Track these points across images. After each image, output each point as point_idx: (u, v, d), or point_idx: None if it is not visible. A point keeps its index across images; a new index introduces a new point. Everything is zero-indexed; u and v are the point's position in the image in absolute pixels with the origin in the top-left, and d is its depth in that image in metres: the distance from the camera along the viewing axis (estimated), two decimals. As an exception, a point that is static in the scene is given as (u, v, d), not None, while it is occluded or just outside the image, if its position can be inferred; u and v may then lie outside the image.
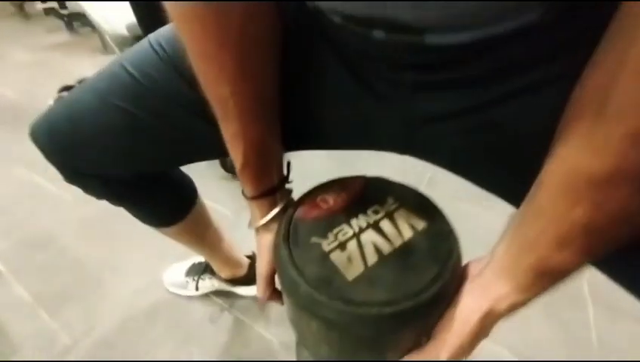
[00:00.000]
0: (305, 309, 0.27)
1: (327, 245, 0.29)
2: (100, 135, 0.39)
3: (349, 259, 0.28)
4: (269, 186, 0.35)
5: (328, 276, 0.27)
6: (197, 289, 0.80)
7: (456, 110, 0.30)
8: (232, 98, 0.29)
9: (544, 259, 0.24)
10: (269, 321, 0.78)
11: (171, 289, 0.82)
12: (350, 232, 0.30)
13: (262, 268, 0.37)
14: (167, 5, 0.27)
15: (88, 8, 1.63)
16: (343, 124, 0.37)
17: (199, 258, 0.80)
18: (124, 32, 1.47)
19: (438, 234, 0.30)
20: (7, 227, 0.98)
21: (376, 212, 0.31)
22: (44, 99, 1.47)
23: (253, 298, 0.81)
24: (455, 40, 0.24)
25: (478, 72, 0.27)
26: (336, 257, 0.28)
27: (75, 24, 2.76)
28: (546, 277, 0.25)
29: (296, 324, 0.34)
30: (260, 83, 0.31)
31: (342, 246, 0.29)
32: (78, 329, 0.75)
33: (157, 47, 0.36)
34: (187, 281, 0.80)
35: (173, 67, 0.35)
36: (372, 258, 0.28)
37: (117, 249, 0.92)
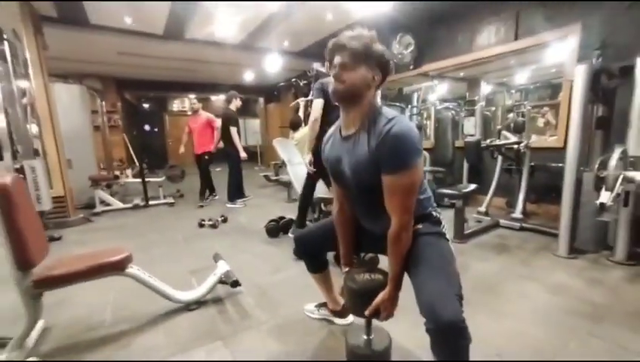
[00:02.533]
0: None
1: (355, 273, 1.16)
2: (314, 241, 1.39)
3: (358, 274, 1.15)
4: (348, 262, 1.27)
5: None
6: (318, 314, 1.62)
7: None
8: (340, 232, 1.25)
9: (392, 270, 1.02)
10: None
11: (306, 313, 1.64)
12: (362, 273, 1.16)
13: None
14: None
15: (294, 182, 3.17)
16: (367, 243, 1.27)
17: (323, 300, 1.64)
18: (305, 194, 2.85)
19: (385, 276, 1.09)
20: (250, 277, 2.10)
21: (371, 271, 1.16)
22: (258, 224, 2.91)
23: (342, 326, 1.55)
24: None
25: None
26: (355, 274, 1.16)
27: (273, 183, 4.84)
28: (394, 277, 1.02)
29: None
30: (349, 229, 1.25)
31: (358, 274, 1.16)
32: (261, 319, 1.65)
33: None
34: (315, 309, 1.62)
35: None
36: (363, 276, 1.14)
37: (291, 292, 1.88)
